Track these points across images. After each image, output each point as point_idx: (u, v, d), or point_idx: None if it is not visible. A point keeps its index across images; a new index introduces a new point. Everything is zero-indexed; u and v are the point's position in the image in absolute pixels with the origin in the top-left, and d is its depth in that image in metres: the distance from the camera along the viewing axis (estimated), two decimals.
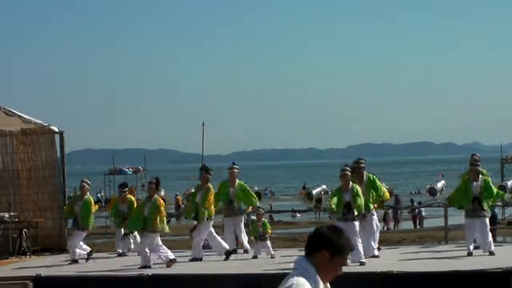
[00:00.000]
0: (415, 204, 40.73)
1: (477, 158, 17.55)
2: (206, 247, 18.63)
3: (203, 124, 20.12)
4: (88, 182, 18.64)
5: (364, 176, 16.92)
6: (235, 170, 18.48)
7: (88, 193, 18.41)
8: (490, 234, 16.67)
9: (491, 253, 16.30)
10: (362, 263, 15.31)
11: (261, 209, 18.34)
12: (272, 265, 16.03)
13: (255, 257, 17.36)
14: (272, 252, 17.49)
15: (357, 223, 15.78)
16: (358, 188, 15.97)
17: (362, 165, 17.06)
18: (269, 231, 17.79)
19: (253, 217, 25.22)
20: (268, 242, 17.60)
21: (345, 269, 16.14)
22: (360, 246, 15.59)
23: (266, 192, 78.94)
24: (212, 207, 17.40)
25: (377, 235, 17.27)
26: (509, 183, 19.79)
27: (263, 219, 17.91)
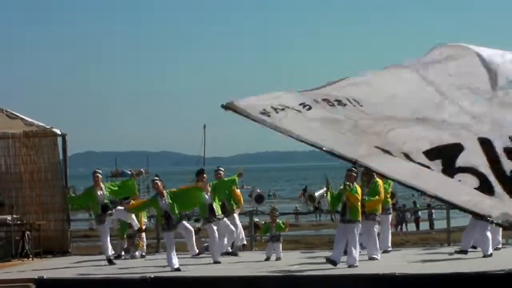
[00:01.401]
0: (418, 206, 40.75)
1: None
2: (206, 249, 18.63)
3: (204, 126, 20.13)
4: (100, 171, 18.62)
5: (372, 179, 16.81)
6: (221, 171, 18.47)
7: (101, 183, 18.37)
8: (489, 237, 16.57)
9: (485, 256, 16.29)
10: (351, 266, 15.33)
11: (275, 211, 18.32)
12: (275, 267, 16.03)
13: (267, 259, 17.33)
14: (281, 255, 17.46)
15: (355, 225, 15.64)
16: (357, 189, 15.81)
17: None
18: (286, 229, 17.80)
19: (256, 220, 25.25)
20: (280, 244, 17.59)
21: (346, 271, 16.15)
22: (356, 250, 15.54)
23: (270, 194, 78.93)
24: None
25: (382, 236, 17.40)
26: None
27: (278, 221, 17.86)
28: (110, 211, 17.87)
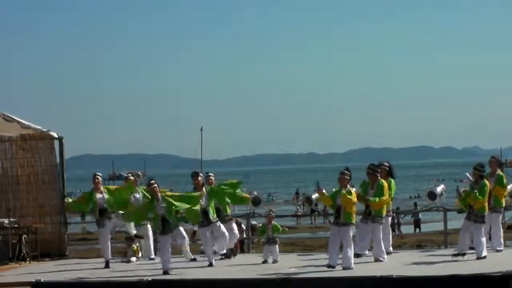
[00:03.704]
0: (418, 208, 40.79)
1: (494, 160, 17.76)
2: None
3: (201, 128, 20.12)
4: (100, 174, 18.52)
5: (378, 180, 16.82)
6: (211, 177, 18.37)
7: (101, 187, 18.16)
8: (483, 240, 16.56)
9: (478, 258, 16.31)
10: (346, 268, 15.37)
11: (272, 213, 18.27)
12: (272, 270, 16.04)
13: (265, 261, 17.36)
14: (278, 258, 17.47)
15: (349, 227, 15.61)
16: (351, 192, 15.75)
17: (382, 168, 17.15)
18: (280, 231, 17.77)
19: (254, 222, 25.26)
20: (277, 247, 17.59)
21: (343, 273, 16.15)
22: (351, 252, 15.56)
23: (271, 197, 79.15)
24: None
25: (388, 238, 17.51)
26: (508, 187, 19.81)
27: (274, 222, 17.84)
28: (109, 215, 17.85)
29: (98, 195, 17.84)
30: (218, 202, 17.73)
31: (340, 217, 15.60)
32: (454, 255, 16.59)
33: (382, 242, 16.78)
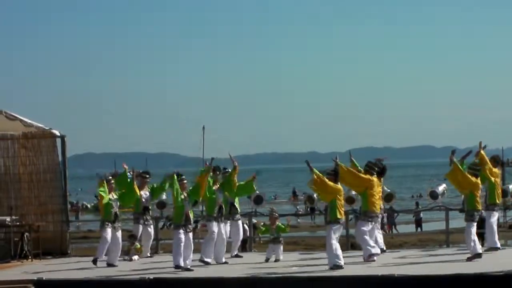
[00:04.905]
0: (420, 207, 40.73)
1: (492, 160, 17.88)
2: None
3: (203, 127, 20.17)
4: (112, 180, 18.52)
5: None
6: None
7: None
8: (473, 238, 16.43)
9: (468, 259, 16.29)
10: (337, 267, 15.32)
11: (275, 213, 18.29)
12: (274, 268, 16.05)
13: (267, 260, 17.41)
14: (281, 257, 17.52)
15: (331, 225, 15.50)
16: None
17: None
18: (287, 229, 17.84)
19: (255, 221, 25.20)
20: (281, 246, 17.65)
21: (344, 272, 16.16)
22: (336, 249, 15.51)
23: (272, 196, 79.15)
24: None
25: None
26: (510, 186, 19.83)
27: (278, 223, 17.88)
28: (118, 221, 17.95)
29: (112, 197, 18.00)
30: (229, 194, 17.85)
31: (326, 215, 15.66)
32: (485, 251, 16.60)
33: (369, 241, 16.64)
